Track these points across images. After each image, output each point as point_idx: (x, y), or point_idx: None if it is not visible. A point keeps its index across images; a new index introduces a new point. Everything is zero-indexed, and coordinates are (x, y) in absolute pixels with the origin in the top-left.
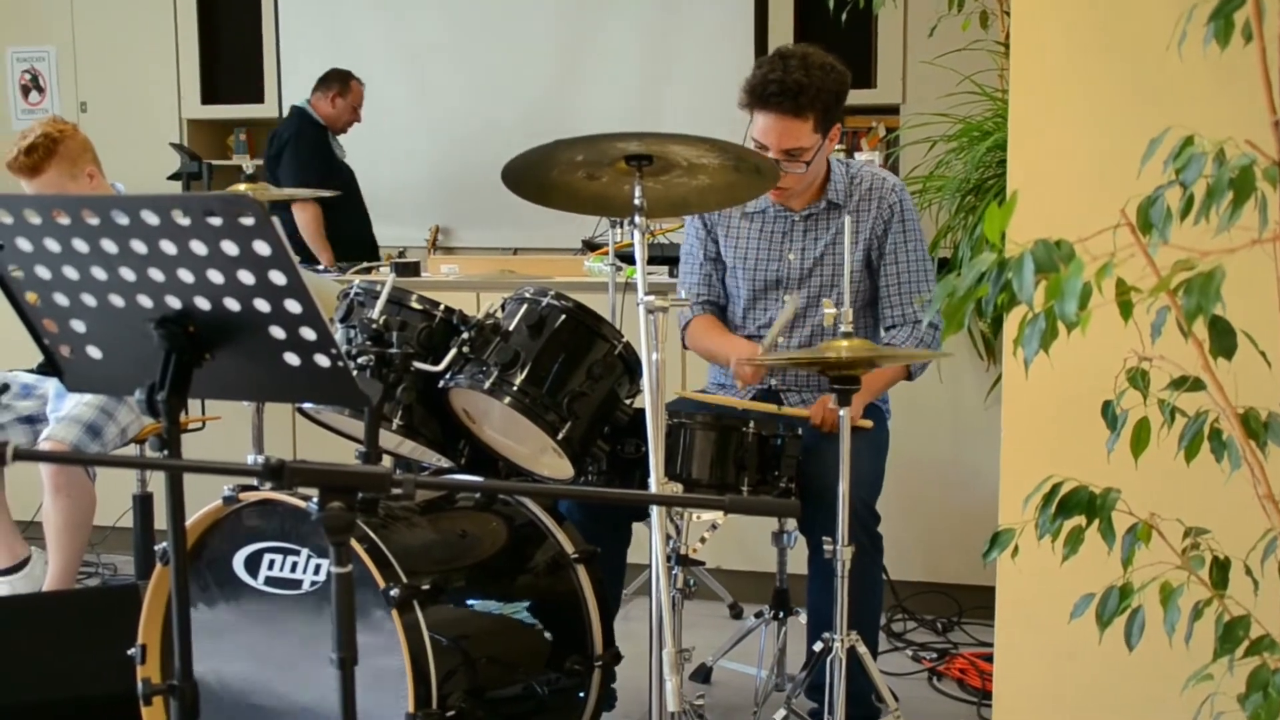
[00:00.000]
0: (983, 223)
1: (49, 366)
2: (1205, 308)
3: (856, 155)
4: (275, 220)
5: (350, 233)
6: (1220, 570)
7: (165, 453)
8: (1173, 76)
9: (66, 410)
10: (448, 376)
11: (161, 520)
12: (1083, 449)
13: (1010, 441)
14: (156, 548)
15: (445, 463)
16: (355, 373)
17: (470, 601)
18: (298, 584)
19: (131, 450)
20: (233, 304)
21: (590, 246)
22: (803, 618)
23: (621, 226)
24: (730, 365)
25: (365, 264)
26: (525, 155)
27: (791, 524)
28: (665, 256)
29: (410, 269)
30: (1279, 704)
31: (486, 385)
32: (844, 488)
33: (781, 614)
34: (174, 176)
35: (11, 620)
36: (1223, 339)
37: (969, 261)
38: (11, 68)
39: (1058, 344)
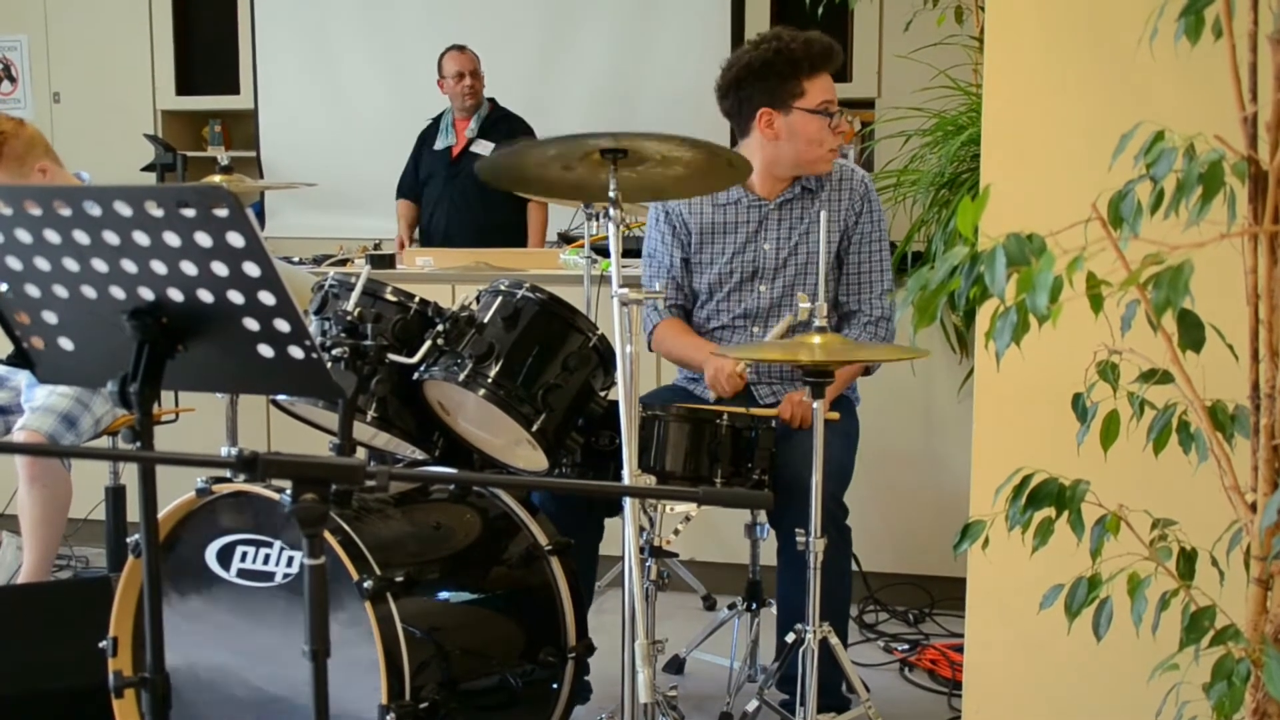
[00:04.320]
0: (956, 216)
1: (19, 358)
2: (1174, 301)
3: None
4: (249, 212)
5: None
6: (1187, 561)
7: (138, 445)
8: (1144, 72)
9: (41, 400)
10: (422, 369)
11: (134, 512)
12: (1053, 441)
13: (981, 433)
14: (129, 540)
15: (420, 455)
16: (329, 365)
17: (444, 593)
18: (270, 576)
19: (104, 442)
20: (206, 295)
21: (566, 239)
22: (775, 609)
23: (597, 220)
24: (706, 372)
25: (340, 256)
26: (496, 156)
27: (764, 516)
28: (640, 249)
29: (385, 261)
30: (1242, 693)
31: (461, 377)
32: (817, 479)
33: (754, 605)
34: (148, 168)
35: None
36: (1191, 332)
37: (942, 255)
38: None
39: (1029, 337)
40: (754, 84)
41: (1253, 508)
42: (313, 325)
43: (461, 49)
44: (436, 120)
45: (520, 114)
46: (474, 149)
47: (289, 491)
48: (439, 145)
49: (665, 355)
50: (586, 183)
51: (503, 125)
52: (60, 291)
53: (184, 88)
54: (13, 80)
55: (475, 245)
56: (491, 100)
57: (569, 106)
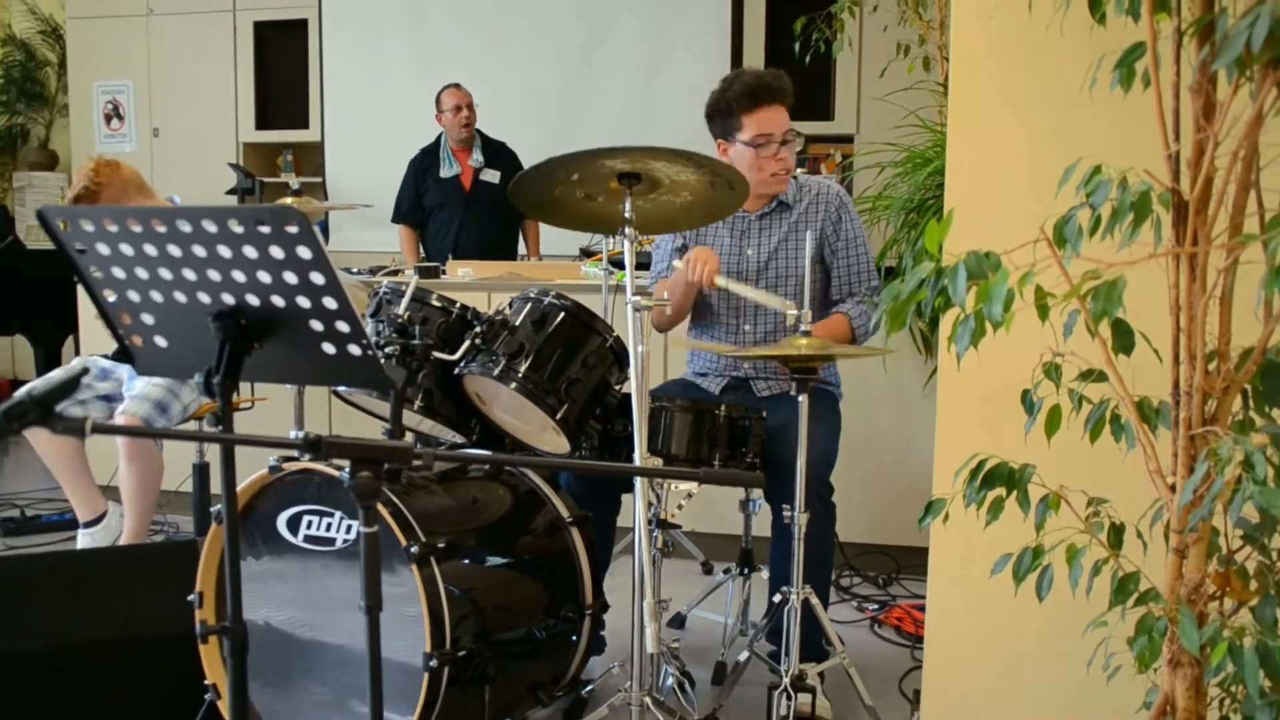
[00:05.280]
0: (923, 237)
1: (122, 355)
2: (1109, 311)
3: (814, 179)
4: (316, 229)
5: None
6: (1116, 534)
7: (220, 428)
8: (1084, 115)
9: (138, 389)
10: (462, 364)
11: (216, 486)
12: (1004, 431)
13: (943, 424)
14: (212, 509)
15: (459, 438)
16: (383, 361)
17: (480, 558)
18: (332, 541)
19: (192, 426)
20: (278, 300)
21: (587, 254)
22: (765, 574)
23: (613, 237)
24: (691, 254)
25: (392, 267)
26: (527, 172)
27: (757, 493)
28: (649, 263)
29: (431, 272)
30: (1160, 646)
31: (496, 372)
32: (801, 462)
33: (746, 570)
34: (231, 191)
35: (94, 570)
36: (1123, 338)
37: (911, 270)
38: (97, 99)
39: (985, 341)
40: (711, 120)
41: (1172, 489)
42: (369, 327)
43: (458, 86)
44: (431, 152)
45: (545, 144)
46: (483, 177)
47: (348, 469)
48: (445, 174)
49: (665, 317)
50: (605, 213)
51: (502, 154)
52: (156, 297)
53: (262, 123)
54: (120, 118)
55: (487, 258)
56: (479, 131)
57: (587, 145)
